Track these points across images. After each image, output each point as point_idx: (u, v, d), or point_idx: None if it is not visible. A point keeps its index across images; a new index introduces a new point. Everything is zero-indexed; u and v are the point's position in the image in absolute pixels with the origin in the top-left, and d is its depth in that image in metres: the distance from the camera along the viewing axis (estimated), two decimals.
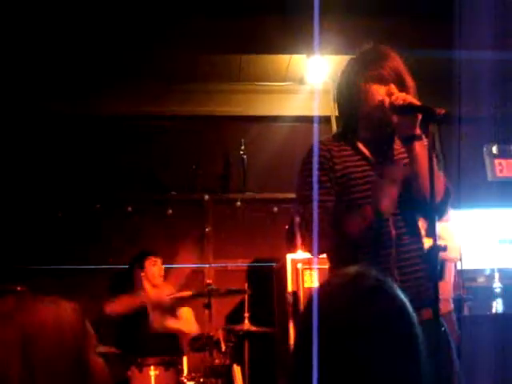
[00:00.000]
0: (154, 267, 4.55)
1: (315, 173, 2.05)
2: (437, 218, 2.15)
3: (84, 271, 4.86)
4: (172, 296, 4.20)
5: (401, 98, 2.03)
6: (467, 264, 3.70)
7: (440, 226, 2.79)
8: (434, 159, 2.11)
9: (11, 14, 4.02)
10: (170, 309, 4.39)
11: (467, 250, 4.22)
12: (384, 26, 4.38)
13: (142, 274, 4.55)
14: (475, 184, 4.73)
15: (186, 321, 4.45)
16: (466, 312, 3.94)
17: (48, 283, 4.36)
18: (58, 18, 4.18)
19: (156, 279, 4.54)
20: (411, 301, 1.05)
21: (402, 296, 1.05)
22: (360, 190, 2.09)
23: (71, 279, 4.73)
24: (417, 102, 2.02)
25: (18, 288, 3.35)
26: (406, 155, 2.10)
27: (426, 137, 2.04)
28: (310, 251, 2.17)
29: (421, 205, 2.02)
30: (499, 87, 4.52)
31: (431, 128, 2.00)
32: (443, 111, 1.93)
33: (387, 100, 2.05)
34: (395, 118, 2.05)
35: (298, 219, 4.69)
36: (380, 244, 2.04)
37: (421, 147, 2.04)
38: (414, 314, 1.04)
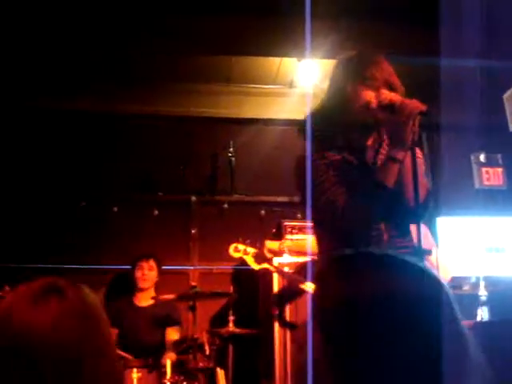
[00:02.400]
0: (139, 271, 4.51)
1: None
2: (418, 221, 2.15)
3: (68, 270, 4.79)
4: (156, 299, 4.16)
5: (389, 97, 2.02)
6: (453, 272, 3.69)
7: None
8: (420, 162, 2.10)
9: None
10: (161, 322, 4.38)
11: (454, 258, 4.22)
12: (374, 30, 4.38)
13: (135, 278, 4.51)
14: (462, 192, 4.74)
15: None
16: None
17: None
18: (42, 16, 4.14)
19: (140, 283, 4.49)
20: None
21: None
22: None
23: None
24: (405, 100, 2.00)
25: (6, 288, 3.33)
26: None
27: (417, 141, 2.01)
28: None
29: (404, 208, 2.04)
30: (486, 95, 4.54)
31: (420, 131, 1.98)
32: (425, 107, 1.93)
33: (375, 101, 2.04)
34: (384, 117, 2.03)
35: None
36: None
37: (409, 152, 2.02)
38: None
